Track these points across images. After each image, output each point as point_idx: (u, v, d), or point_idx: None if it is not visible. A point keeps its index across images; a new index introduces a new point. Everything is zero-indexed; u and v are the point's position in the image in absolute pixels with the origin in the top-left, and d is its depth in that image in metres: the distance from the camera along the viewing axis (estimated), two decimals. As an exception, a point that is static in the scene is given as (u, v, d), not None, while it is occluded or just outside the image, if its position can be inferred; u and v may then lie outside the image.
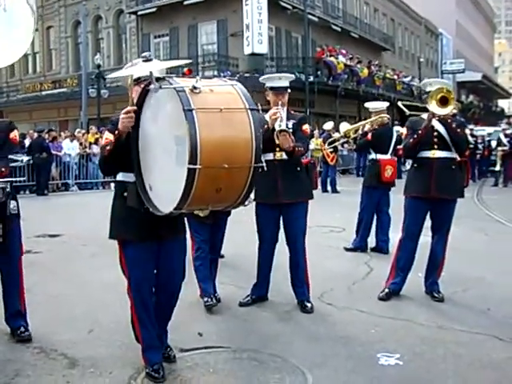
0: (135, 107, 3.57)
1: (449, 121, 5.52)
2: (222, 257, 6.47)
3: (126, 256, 3.94)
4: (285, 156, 5.24)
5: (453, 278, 6.11)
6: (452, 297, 5.70)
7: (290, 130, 5.18)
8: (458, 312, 5.30)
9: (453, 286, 5.95)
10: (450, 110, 5.39)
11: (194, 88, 3.24)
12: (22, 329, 4.60)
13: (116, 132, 3.66)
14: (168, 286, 4.06)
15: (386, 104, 8.61)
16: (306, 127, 5.47)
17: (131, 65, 3.82)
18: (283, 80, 5.42)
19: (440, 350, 4.40)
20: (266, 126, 5.15)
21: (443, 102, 5.33)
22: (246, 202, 3.64)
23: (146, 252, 3.86)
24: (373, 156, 8.06)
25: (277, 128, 5.01)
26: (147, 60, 3.59)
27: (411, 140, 5.60)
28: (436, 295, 5.66)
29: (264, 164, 3.39)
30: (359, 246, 8.09)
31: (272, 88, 5.39)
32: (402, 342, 4.55)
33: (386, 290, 5.70)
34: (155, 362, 3.93)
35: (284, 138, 5.00)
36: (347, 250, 8.12)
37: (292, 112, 5.53)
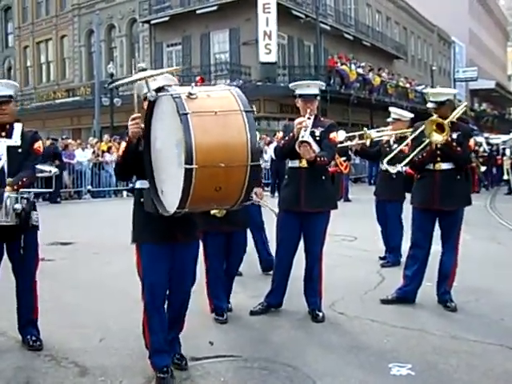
0: (139, 114, 3.75)
1: (449, 140, 5.48)
2: (240, 274, 6.44)
3: (141, 259, 4.01)
4: None
5: (465, 287, 6.07)
6: (465, 306, 5.65)
7: (317, 138, 5.20)
8: (470, 322, 5.25)
9: (465, 296, 5.90)
10: (446, 135, 5.42)
11: (190, 94, 3.43)
12: (34, 338, 4.61)
13: (127, 139, 3.86)
14: (179, 290, 4.12)
15: (411, 115, 8.34)
16: (334, 135, 5.43)
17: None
18: (312, 87, 5.44)
19: (453, 360, 4.37)
20: (291, 134, 5.17)
21: (440, 128, 5.43)
22: (249, 202, 3.78)
23: (160, 256, 3.94)
24: (399, 169, 7.80)
25: (299, 138, 5.03)
26: (142, 70, 3.83)
27: (417, 159, 5.69)
28: (448, 305, 5.61)
29: (261, 163, 3.50)
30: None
31: (301, 95, 5.40)
32: (414, 352, 4.52)
33: (393, 295, 5.81)
34: (163, 365, 3.95)
35: (305, 149, 5.03)
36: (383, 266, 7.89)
37: (321, 119, 5.53)
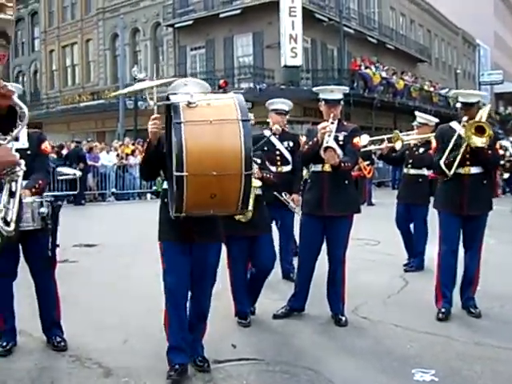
0: (158, 115, 3.86)
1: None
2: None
3: (163, 257, 4.15)
4: None
5: (489, 293, 6.01)
6: (489, 312, 5.59)
7: (341, 143, 5.20)
8: (494, 328, 5.19)
9: (489, 302, 5.83)
10: (487, 137, 5.27)
11: (190, 103, 3.56)
12: (58, 338, 4.66)
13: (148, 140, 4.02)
14: (199, 291, 4.22)
15: (437, 120, 8.29)
16: (357, 140, 5.43)
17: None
18: (336, 93, 5.45)
19: (477, 366, 4.33)
20: (315, 139, 5.18)
21: (480, 131, 5.28)
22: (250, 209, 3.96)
23: (179, 255, 4.07)
24: (425, 172, 7.78)
25: (324, 144, 5.04)
26: (140, 80, 3.94)
27: (447, 162, 5.46)
28: (472, 311, 5.54)
29: (254, 171, 3.67)
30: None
31: (325, 100, 5.41)
32: (438, 358, 4.49)
33: (443, 310, 5.47)
34: (176, 362, 4.05)
35: (329, 154, 5.05)
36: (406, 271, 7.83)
37: (344, 123, 5.54)
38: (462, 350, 4.67)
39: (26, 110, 2.98)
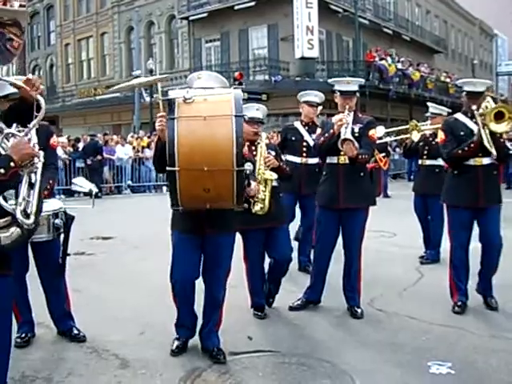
0: (164, 113, 3.90)
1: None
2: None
3: (173, 247, 4.34)
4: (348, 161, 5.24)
5: (506, 286, 5.95)
6: (505, 306, 5.54)
7: (356, 134, 5.18)
8: (511, 321, 5.16)
9: (506, 295, 5.78)
10: (508, 122, 5.13)
11: (186, 99, 3.64)
12: (75, 330, 4.68)
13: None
14: (211, 280, 4.35)
15: (449, 110, 8.29)
16: (373, 132, 5.41)
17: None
18: (352, 84, 5.42)
19: (493, 359, 4.31)
20: (332, 131, 5.16)
21: (499, 117, 5.12)
22: (246, 205, 3.98)
23: (187, 243, 4.25)
24: (441, 163, 7.76)
25: (342, 136, 5.03)
26: (136, 77, 4.02)
27: (460, 152, 5.30)
28: (489, 303, 5.48)
29: (247, 168, 3.75)
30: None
31: (340, 91, 5.40)
32: (454, 351, 4.47)
33: (459, 303, 5.41)
34: (178, 336, 4.48)
35: (348, 146, 5.05)
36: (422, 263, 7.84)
37: (360, 115, 5.51)
38: (478, 343, 4.66)
39: (42, 101, 3.01)
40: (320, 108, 6.97)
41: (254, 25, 29.26)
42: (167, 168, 3.63)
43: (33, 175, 2.90)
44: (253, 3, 27.99)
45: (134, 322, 5.15)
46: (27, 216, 2.78)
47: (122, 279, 6.77)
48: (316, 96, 6.93)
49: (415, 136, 7.90)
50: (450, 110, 8.12)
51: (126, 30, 35.72)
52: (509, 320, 5.19)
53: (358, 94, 5.46)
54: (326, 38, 29.98)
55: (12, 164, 2.76)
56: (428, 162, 7.77)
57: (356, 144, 5.09)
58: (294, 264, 6.94)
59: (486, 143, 5.20)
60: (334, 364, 4.21)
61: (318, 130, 5.65)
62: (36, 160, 2.90)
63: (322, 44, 29.42)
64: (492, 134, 5.20)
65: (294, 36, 27.01)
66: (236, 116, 3.60)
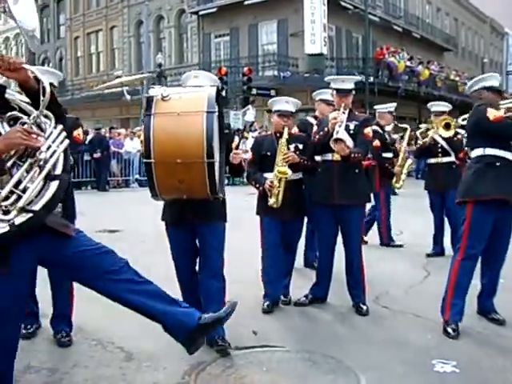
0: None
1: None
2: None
3: (168, 237, 4.56)
4: None
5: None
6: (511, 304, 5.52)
7: (351, 132, 5.19)
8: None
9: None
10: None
11: (163, 96, 3.90)
12: (64, 333, 4.55)
13: None
14: (205, 269, 4.47)
15: (450, 107, 8.31)
16: (368, 131, 5.40)
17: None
18: (347, 82, 5.42)
19: (499, 358, 4.29)
20: (326, 129, 5.18)
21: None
22: (220, 195, 4.11)
23: (180, 235, 4.47)
24: (453, 159, 7.82)
25: (334, 135, 5.04)
26: (118, 77, 4.18)
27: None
28: (495, 317, 5.11)
29: (215, 160, 3.87)
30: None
31: (336, 90, 5.40)
32: (459, 349, 4.46)
33: (452, 326, 4.75)
34: None
35: (339, 146, 5.07)
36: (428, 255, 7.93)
37: (356, 113, 5.51)
38: (484, 342, 4.64)
39: (46, 84, 2.86)
40: None
41: (264, 20, 29.23)
42: (143, 160, 3.90)
43: (37, 169, 2.72)
44: (263, -2, 27.94)
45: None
46: (6, 212, 2.64)
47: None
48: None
49: (447, 133, 7.62)
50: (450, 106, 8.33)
51: (136, 24, 35.73)
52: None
53: (353, 92, 5.44)
54: (335, 34, 29.94)
55: None
56: (445, 160, 7.78)
57: (349, 143, 5.09)
58: (301, 259, 6.96)
59: None
60: (339, 360, 4.20)
61: (315, 128, 5.65)
62: (37, 154, 2.71)
63: (332, 40, 29.38)
64: None
65: (305, 31, 26.95)
66: (207, 112, 3.84)
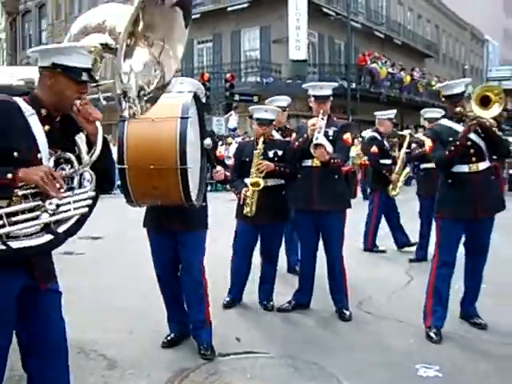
0: None
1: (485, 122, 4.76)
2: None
3: (150, 244, 4.58)
4: None
5: (496, 289, 5.96)
6: (495, 308, 5.55)
7: (330, 138, 5.21)
8: (500, 325, 5.16)
9: (496, 298, 5.80)
10: (495, 111, 4.74)
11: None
12: None
13: None
14: (186, 274, 4.47)
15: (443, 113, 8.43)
16: (347, 136, 5.42)
17: None
18: (325, 89, 5.45)
19: (481, 363, 4.32)
20: (305, 135, 5.21)
21: (484, 102, 4.73)
22: (196, 202, 4.02)
23: (161, 242, 4.48)
24: (426, 166, 7.85)
25: (314, 140, 5.07)
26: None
27: (447, 153, 4.78)
28: (477, 321, 5.15)
29: (188, 166, 3.78)
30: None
31: (314, 96, 5.42)
32: (442, 354, 4.48)
33: (434, 330, 4.81)
34: (169, 332, 4.62)
35: (319, 151, 5.10)
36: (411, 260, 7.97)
37: (335, 119, 5.54)
38: (467, 347, 4.67)
39: (98, 148, 2.76)
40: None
41: (247, 26, 29.26)
42: (117, 166, 3.78)
43: (44, 214, 2.58)
44: (246, 5, 28.00)
45: (123, 322, 5.12)
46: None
47: (111, 279, 6.73)
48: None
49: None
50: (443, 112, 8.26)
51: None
52: (499, 324, 5.18)
53: (331, 98, 5.47)
54: (318, 40, 30.05)
55: (9, 176, 2.46)
56: None
57: (328, 148, 5.12)
58: (284, 265, 6.97)
59: (477, 141, 4.85)
60: (322, 366, 4.21)
61: (294, 135, 5.68)
62: (51, 202, 2.58)
63: (314, 47, 29.49)
64: (483, 129, 4.80)
65: (289, 38, 27.03)
66: (181, 118, 3.81)
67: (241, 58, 29.67)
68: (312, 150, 5.11)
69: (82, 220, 2.81)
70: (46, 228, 2.63)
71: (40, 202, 2.58)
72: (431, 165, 7.77)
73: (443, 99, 5.08)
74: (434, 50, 41.74)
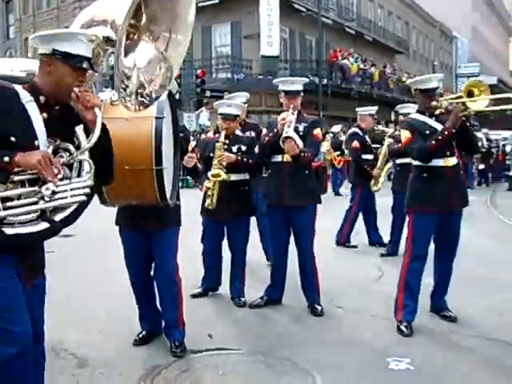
0: None
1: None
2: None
3: (122, 241, 4.55)
4: None
5: (465, 282, 6.04)
6: (463, 301, 5.62)
7: (301, 133, 5.22)
8: (469, 317, 5.24)
9: (464, 290, 5.87)
10: (481, 104, 4.77)
11: (112, 101, 3.68)
12: None
13: None
14: (159, 273, 4.44)
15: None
16: (318, 132, 5.44)
17: None
18: (296, 84, 5.45)
19: (451, 355, 4.38)
20: (275, 130, 5.20)
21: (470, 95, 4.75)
22: (170, 202, 3.97)
23: (134, 241, 4.44)
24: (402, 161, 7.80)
25: (283, 134, 5.06)
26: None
27: (434, 142, 4.76)
28: (447, 314, 5.22)
29: (165, 166, 3.74)
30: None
31: (285, 91, 5.41)
32: (413, 347, 4.52)
33: (405, 324, 4.85)
34: (141, 330, 4.60)
35: (289, 145, 5.10)
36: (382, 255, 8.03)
37: (305, 115, 5.54)
38: (438, 339, 4.72)
39: (96, 133, 2.70)
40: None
41: (218, 22, 29.16)
42: None
43: (42, 201, 2.58)
44: (217, 0, 27.88)
45: (94, 320, 5.07)
46: None
47: (82, 277, 6.66)
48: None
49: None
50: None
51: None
52: (468, 316, 5.24)
53: (302, 94, 5.47)
54: (289, 36, 30.09)
55: (6, 159, 2.45)
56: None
57: (298, 142, 5.13)
58: (252, 261, 6.96)
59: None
60: (295, 362, 4.21)
61: (264, 130, 5.68)
62: (47, 187, 2.54)
63: (285, 43, 29.52)
64: (463, 124, 4.81)
65: (261, 34, 27.00)
66: (156, 118, 3.74)
67: (212, 54, 29.59)
68: (282, 144, 5.11)
69: (80, 210, 2.79)
70: (43, 216, 2.62)
71: (36, 188, 2.56)
72: (407, 160, 7.78)
73: (416, 94, 5.07)
74: (405, 47, 42.12)
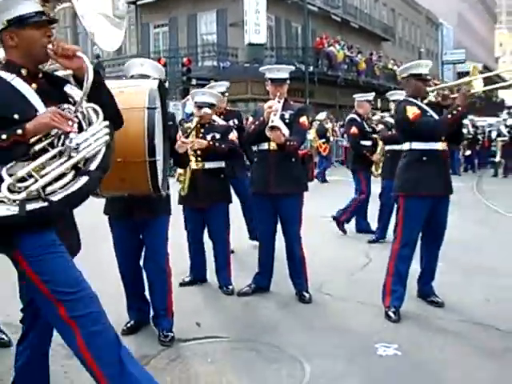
0: None
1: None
2: (232, 251, 6.43)
3: (111, 230, 4.55)
4: None
5: (451, 268, 6.10)
6: (450, 287, 5.66)
7: (287, 121, 5.20)
8: (456, 302, 5.27)
9: (451, 276, 5.92)
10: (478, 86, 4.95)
11: None
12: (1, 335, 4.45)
13: None
14: (150, 261, 4.43)
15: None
16: (304, 120, 5.42)
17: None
18: (282, 72, 5.43)
19: (438, 340, 4.40)
20: (261, 118, 5.19)
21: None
22: (163, 192, 3.93)
23: (124, 230, 4.43)
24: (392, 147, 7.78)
25: (269, 123, 5.05)
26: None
27: (450, 116, 4.73)
28: (434, 300, 5.24)
29: (158, 158, 3.71)
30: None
31: (271, 79, 5.39)
32: (400, 333, 4.55)
33: (393, 310, 4.87)
34: (129, 319, 4.61)
35: (275, 133, 5.10)
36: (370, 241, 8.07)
37: (291, 102, 5.53)
38: (425, 325, 4.75)
39: (90, 72, 2.70)
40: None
41: (203, 10, 29.01)
42: None
43: (64, 159, 2.58)
44: (202, -12, 27.73)
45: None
46: (12, 191, 2.47)
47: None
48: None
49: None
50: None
51: (72, 15, 34.79)
52: (455, 301, 5.27)
53: (288, 82, 5.45)
54: (275, 24, 29.97)
55: (19, 131, 2.46)
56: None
57: (284, 131, 5.12)
58: (240, 249, 6.96)
59: None
60: (283, 349, 4.22)
61: (250, 118, 5.66)
62: (70, 140, 2.55)
63: (271, 30, 29.41)
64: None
65: (248, 21, 26.87)
66: (148, 108, 3.64)
67: (197, 42, 29.46)
68: (268, 133, 5.10)
69: (109, 152, 2.79)
70: (78, 172, 2.64)
71: (60, 148, 2.59)
72: (398, 146, 7.77)
73: (407, 80, 5.08)
74: (391, 34, 42.12)
